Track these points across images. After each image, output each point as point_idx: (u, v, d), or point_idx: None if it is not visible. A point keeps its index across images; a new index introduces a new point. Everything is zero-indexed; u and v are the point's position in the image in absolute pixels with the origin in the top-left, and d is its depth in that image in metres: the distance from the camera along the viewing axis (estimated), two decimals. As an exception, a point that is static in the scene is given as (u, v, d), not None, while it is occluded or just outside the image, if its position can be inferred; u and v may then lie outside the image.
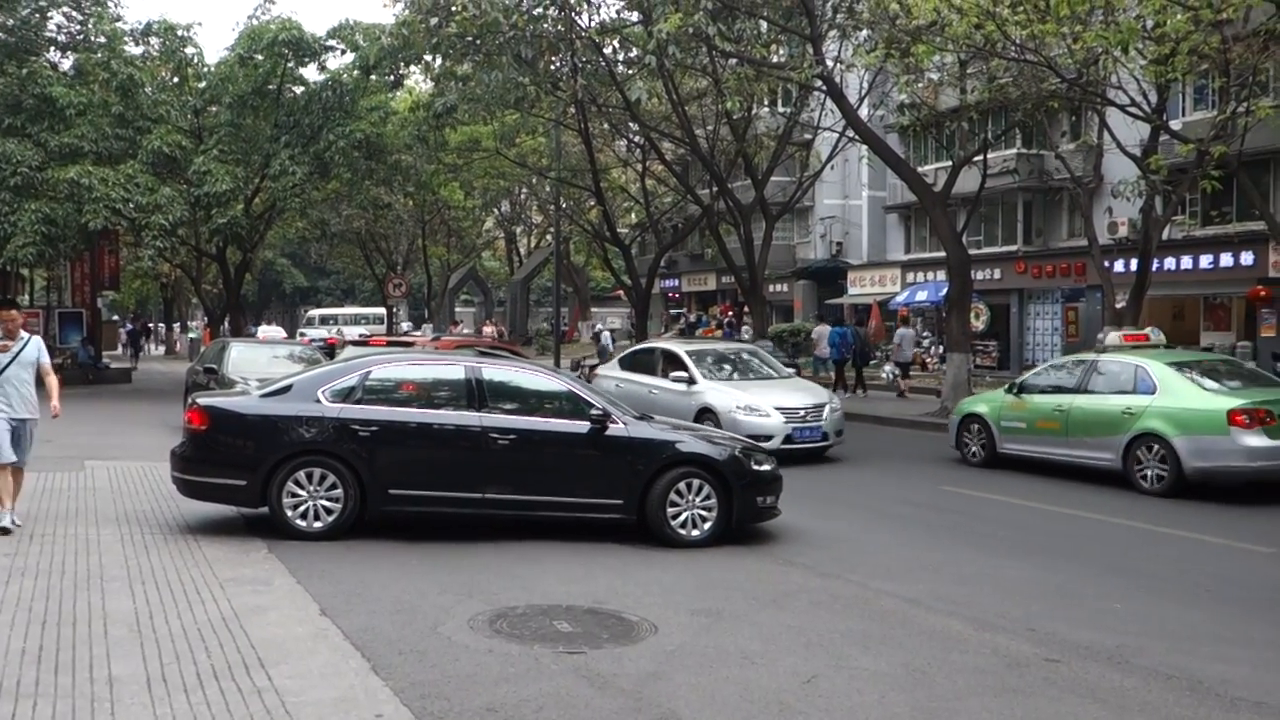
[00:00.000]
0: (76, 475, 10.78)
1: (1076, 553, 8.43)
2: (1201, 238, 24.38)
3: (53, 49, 25.24)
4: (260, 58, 24.37)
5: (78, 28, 24.95)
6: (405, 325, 51.72)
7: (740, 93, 19.65)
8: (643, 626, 5.95)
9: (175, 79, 26.12)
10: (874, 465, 13.47)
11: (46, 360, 8.35)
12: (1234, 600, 7.04)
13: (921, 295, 31.23)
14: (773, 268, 31.33)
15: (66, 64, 25.16)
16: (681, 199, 29.76)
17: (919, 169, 24.52)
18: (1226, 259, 23.66)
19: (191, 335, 48.50)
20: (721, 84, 19.16)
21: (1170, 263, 24.24)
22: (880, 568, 7.71)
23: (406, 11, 18.39)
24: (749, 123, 23.67)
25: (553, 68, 19.34)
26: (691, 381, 13.98)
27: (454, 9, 16.95)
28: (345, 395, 8.21)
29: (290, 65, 25.01)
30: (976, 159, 21.29)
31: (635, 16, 19.16)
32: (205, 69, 25.99)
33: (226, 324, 30.92)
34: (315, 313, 56.89)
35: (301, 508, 7.94)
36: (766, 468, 8.54)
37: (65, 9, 24.68)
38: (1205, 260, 24.15)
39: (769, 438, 12.73)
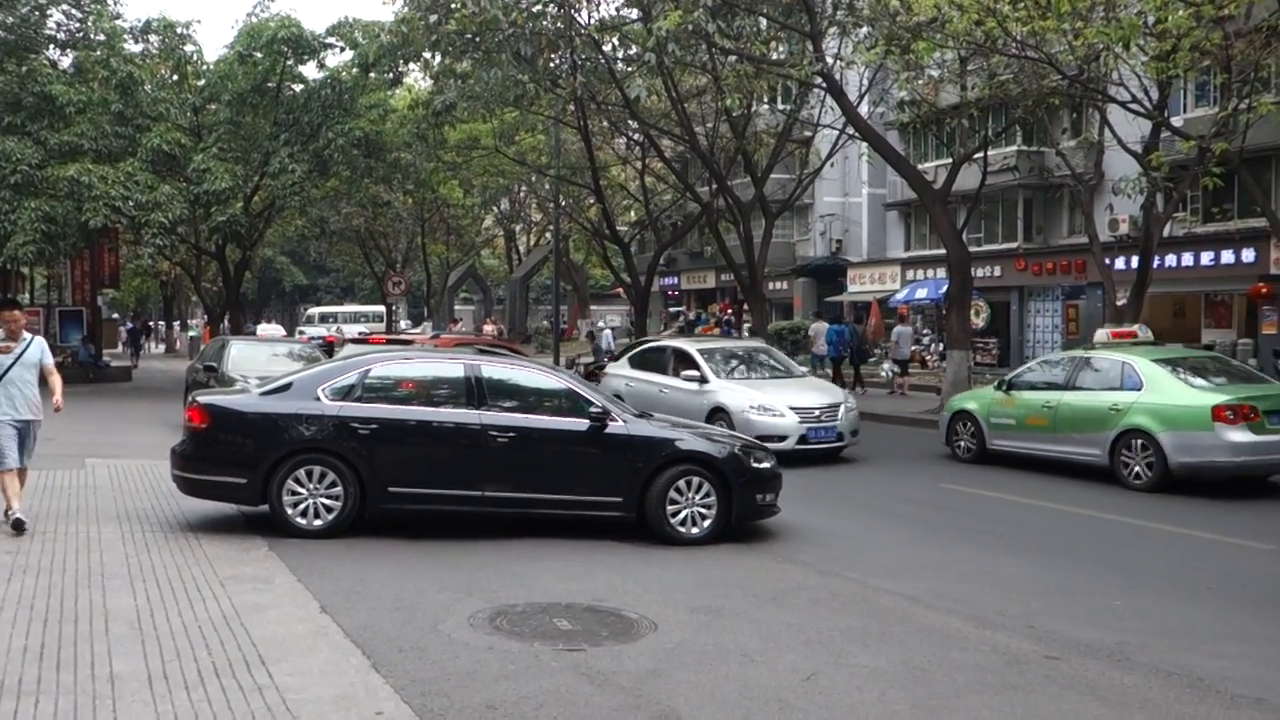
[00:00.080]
0: (77, 473, 10.79)
1: (1073, 550, 8.43)
2: (1203, 235, 24.37)
3: (52, 47, 25.20)
4: (259, 55, 24.36)
5: (77, 25, 24.91)
6: (404, 323, 51.75)
7: (740, 90, 19.63)
8: (642, 624, 5.95)
9: (174, 77, 26.12)
10: (873, 463, 13.47)
11: (50, 361, 8.32)
12: (1233, 597, 7.04)
13: (921, 293, 31.22)
14: (772, 265, 31.32)
15: (66, 62, 25.14)
16: (681, 197, 29.74)
17: (919, 166, 24.50)
18: (1228, 256, 23.65)
19: (191, 333, 48.52)
20: (721, 81, 19.13)
21: (1171, 260, 24.23)
22: (879, 565, 7.71)
23: (406, 9, 18.36)
24: (749, 120, 23.65)
25: (552, 65, 19.30)
26: (703, 380, 13.72)
27: (453, 6, 16.92)
28: (345, 393, 8.21)
29: (289, 63, 24.99)
30: (977, 156, 21.27)
31: (635, 14, 19.14)
32: (204, 67, 25.98)
33: (226, 322, 30.93)
34: (315, 311, 56.89)
35: (301, 505, 7.95)
36: (766, 465, 8.54)
37: (65, 7, 24.65)
38: (1206, 257, 24.14)
39: (783, 438, 12.62)
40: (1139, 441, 11.16)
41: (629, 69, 19.49)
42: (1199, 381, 11.38)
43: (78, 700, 4.53)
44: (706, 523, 8.21)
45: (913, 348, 25.94)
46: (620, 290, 38.61)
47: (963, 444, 13.44)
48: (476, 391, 8.34)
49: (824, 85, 17.82)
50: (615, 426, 8.28)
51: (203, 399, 8.46)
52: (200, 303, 44.67)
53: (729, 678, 5.11)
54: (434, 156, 27.74)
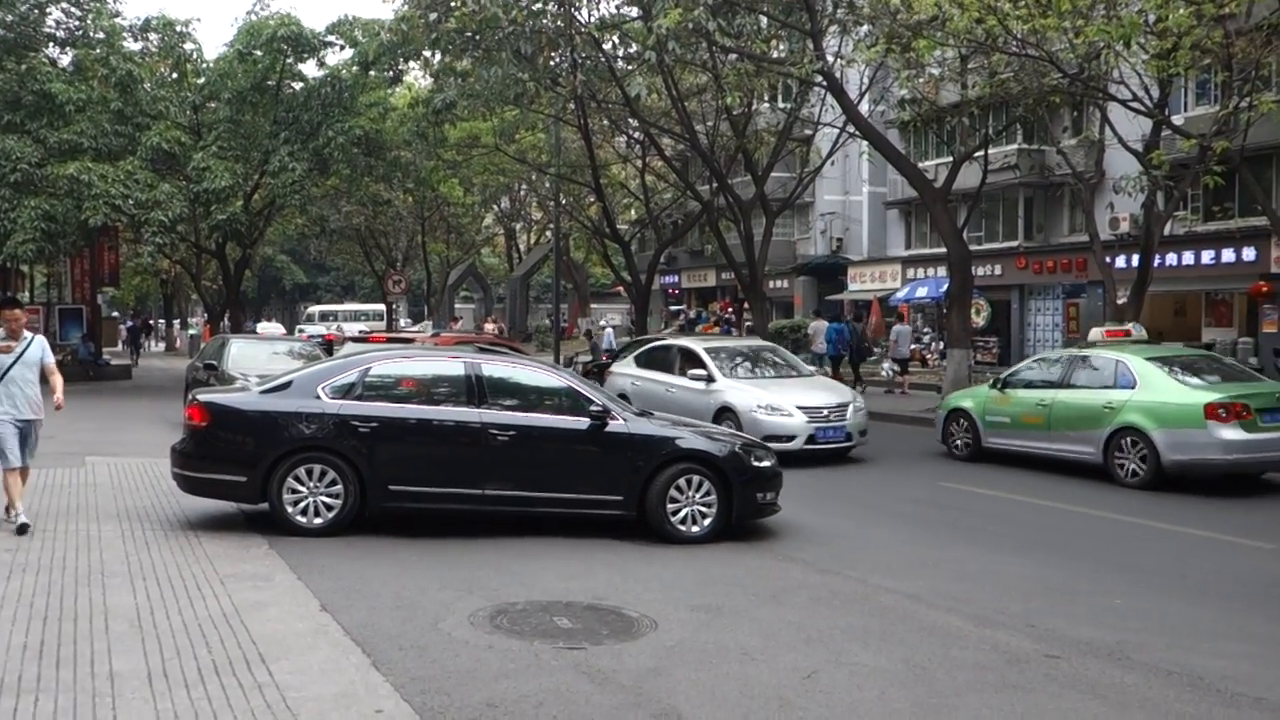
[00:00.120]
0: (77, 471, 10.79)
1: (1072, 548, 8.44)
2: (1203, 233, 24.34)
3: (51, 45, 25.20)
4: (259, 53, 24.36)
5: (76, 23, 24.91)
6: (404, 321, 51.76)
7: (740, 88, 19.62)
8: (642, 622, 5.95)
9: (174, 75, 26.11)
10: (872, 461, 13.46)
11: (51, 359, 8.29)
12: (1233, 596, 7.04)
13: (922, 291, 31.20)
14: (773, 264, 31.31)
15: (65, 60, 25.13)
16: (681, 195, 29.73)
17: (919, 164, 24.46)
18: (1228, 254, 23.62)
19: (191, 332, 48.54)
20: (721, 79, 19.12)
21: (1172, 258, 24.20)
22: (880, 564, 7.71)
23: (405, 7, 18.35)
24: (749, 118, 23.63)
25: (552, 63, 19.29)
26: (710, 380, 13.57)
27: (453, 4, 16.92)
28: (345, 391, 8.21)
29: (289, 61, 24.99)
30: (977, 154, 21.26)
31: (635, 12, 19.14)
32: (204, 65, 25.97)
33: (226, 320, 30.93)
34: (315, 309, 56.91)
35: (302, 504, 7.95)
36: (766, 464, 8.53)
37: (64, 5, 24.64)
38: (1207, 256, 24.11)
39: (791, 438, 12.54)
40: (1132, 439, 11.23)
41: (629, 67, 19.48)
42: (1192, 380, 11.45)
43: (77, 698, 4.53)
44: (707, 521, 8.21)
45: (912, 346, 25.93)
46: (621, 289, 38.61)
47: (958, 442, 13.51)
48: (477, 390, 8.33)
49: (824, 83, 17.81)
50: (615, 425, 8.28)
51: (203, 397, 8.46)
52: (200, 301, 44.67)
53: (729, 676, 5.11)
54: (434, 155, 27.73)
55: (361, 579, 6.72)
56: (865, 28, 17.41)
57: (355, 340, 15.26)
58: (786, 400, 12.99)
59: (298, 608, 6.01)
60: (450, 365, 8.67)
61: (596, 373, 18.62)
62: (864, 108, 20.54)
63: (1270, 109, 14.29)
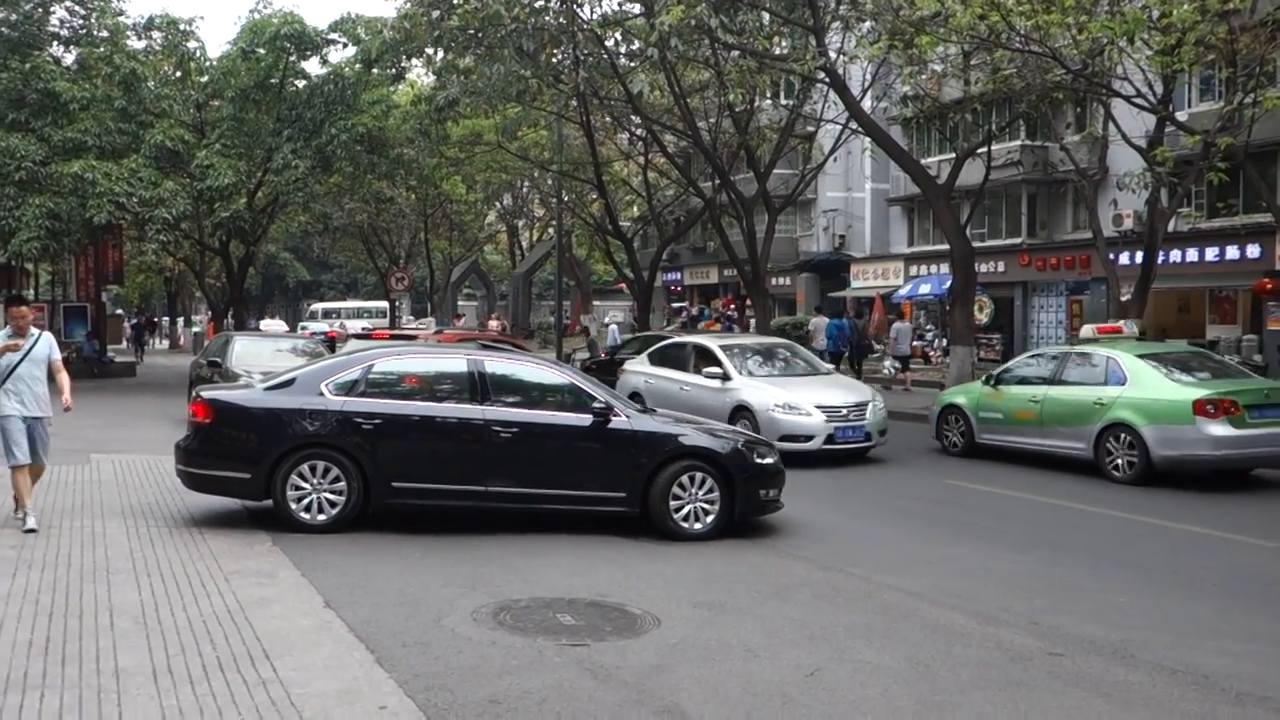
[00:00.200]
0: (82, 469, 10.81)
1: (1072, 545, 8.44)
2: (1207, 230, 24.28)
3: (55, 44, 25.23)
4: (262, 51, 24.36)
5: (80, 22, 24.94)
6: (407, 318, 51.78)
7: (743, 85, 19.59)
8: (645, 619, 5.95)
9: (178, 73, 26.12)
10: (873, 459, 13.45)
11: (58, 356, 8.24)
12: (1235, 593, 7.04)
13: (925, 288, 31.17)
14: (775, 261, 31.27)
15: (69, 59, 25.16)
16: (684, 192, 29.70)
17: (922, 161, 24.45)
18: (1233, 251, 23.57)
19: (195, 329, 48.58)
20: (724, 76, 19.10)
21: (1176, 255, 24.17)
22: (883, 561, 7.71)
23: (408, 4, 18.36)
24: (751, 115, 23.60)
25: (554, 61, 19.28)
26: (726, 378, 13.24)
27: (455, 2, 16.92)
28: (349, 388, 8.22)
29: (292, 59, 24.99)
30: (980, 151, 21.22)
31: (637, 9, 19.13)
32: (207, 63, 25.97)
33: (230, 318, 30.98)
34: (318, 306, 56.98)
35: (305, 500, 7.96)
36: (769, 461, 8.53)
37: (68, 4, 24.69)
38: (1211, 253, 24.06)
39: (810, 438, 12.36)
40: (1123, 435, 11.31)
41: (632, 64, 19.47)
42: (1181, 376, 11.54)
43: (83, 695, 4.54)
44: (710, 518, 8.21)
45: (914, 344, 25.89)
46: (623, 286, 38.62)
47: (952, 438, 13.57)
48: (480, 387, 8.34)
49: (827, 80, 17.77)
50: (618, 422, 8.28)
51: (207, 394, 8.47)
52: (204, 298, 44.77)
53: (732, 673, 5.11)
54: (437, 152, 27.73)
55: (365, 575, 6.73)
56: (868, 24, 17.39)
57: (358, 337, 15.28)
58: (805, 399, 12.67)
59: (302, 604, 6.03)
60: (453, 362, 8.69)
61: (595, 370, 18.60)
62: (867, 104, 20.51)
63: (1275, 105, 14.23)
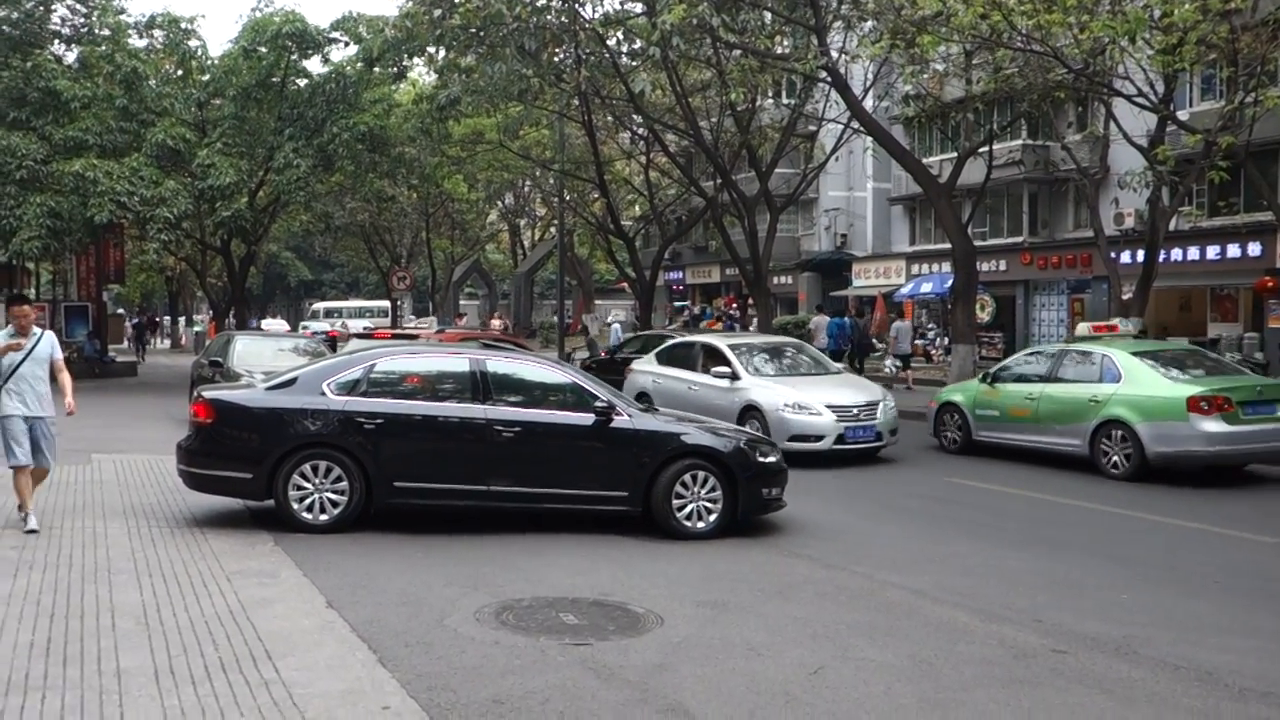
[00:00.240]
0: (83, 469, 10.81)
1: (1072, 542, 8.44)
2: (1209, 229, 24.26)
3: (57, 42, 25.25)
4: (264, 50, 24.36)
5: (81, 21, 24.95)
6: (409, 318, 51.79)
7: (744, 84, 19.59)
8: (648, 618, 5.95)
9: (179, 72, 26.12)
10: (878, 457, 13.44)
11: (60, 356, 8.18)
12: (1235, 590, 7.03)
13: (926, 287, 31.16)
14: (777, 260, 31.27)
15: (70, 57, 25.18)
16: (685, 191, 29.69)
17: (924, 160, 24.41)
18: (1234, 250, 23.55)
19: (196, 328, 48.63)
20: (726, 75, 19.09)
21: (1177, 254, 24.15)
22: (886, 559, 7.71)
23: (410, 3, 18.35)
24: (753, 114, 23.61)
25: (556, 60, 19.28)
26: (735, 377, 13.09)
27: (457, 1, 16.92)
28: (350, 388, 8.21)
29: (294, 58, 24.98)
30: (982, 150, 21.21)
31: (639, 8, 19.11)
32: (209, 62, 25.97)
33: (231, 317, 30.99)
34: (320, 305, 56.95)
35: (307, 500, 7.96)
36: (772, 459, 8.53)
37: (69, 2, 24.71)
38: (1212, 251, 24.04)
39: (820, 438, 12.25)
40: (1118, 432, 11.38)
41: (633, 63, 19.46)
42: (1175, 373, 11.61)
43: (84, 695, 4.54)
44: (712, 517, 8.21)
45: (916, 342, 25.87)
46: (625, 285, 38.62)
47: (950, 435, 13.63)
48: (482, 386, 8.34)
49: (829, 79, 17.77)
50: (620, 421, 8.28)
51: (208, 394, 8.46)
52: (205, 298, 44.78)
53: (735, 671, 5.11)
54: (438, 151, 27.74)
55: (367, 575, 6.73)
56: (869, 23, 17.38)
57: (360, 337, 15.28)
58: (815, 398, 12.51)
59: (304, 604, 6.02)
60: (455, 361, 8.69)
61: (595, 369, 18.59)
62: (868, 103, 20.49)
63: (1276, 104, 14.24)
